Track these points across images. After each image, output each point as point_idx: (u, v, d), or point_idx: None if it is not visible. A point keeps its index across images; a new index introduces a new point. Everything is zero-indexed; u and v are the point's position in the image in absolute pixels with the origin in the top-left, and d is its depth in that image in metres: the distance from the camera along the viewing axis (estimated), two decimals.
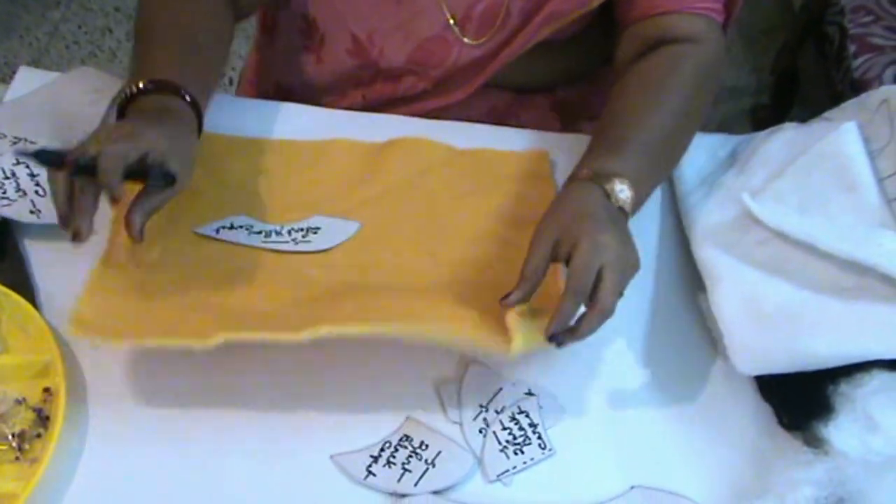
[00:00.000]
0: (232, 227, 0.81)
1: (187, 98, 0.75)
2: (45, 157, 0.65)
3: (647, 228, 0.90)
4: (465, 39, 0.91)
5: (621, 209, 0.75)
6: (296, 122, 0.96)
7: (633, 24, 0.91)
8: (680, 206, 0.91)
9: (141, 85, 0.73)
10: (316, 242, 0.82)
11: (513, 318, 0.70)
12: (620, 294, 0.70)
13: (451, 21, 0.89)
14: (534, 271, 0.70)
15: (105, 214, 0.81)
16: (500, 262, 0.82)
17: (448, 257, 0.83)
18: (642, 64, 0.88)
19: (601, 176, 0.76)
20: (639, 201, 0.78)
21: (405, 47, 0.93)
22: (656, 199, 0.93)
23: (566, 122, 1.04)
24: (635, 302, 0.84)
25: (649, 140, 0.81)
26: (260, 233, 0.81)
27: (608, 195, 0.75)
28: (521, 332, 0.69)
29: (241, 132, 0.93)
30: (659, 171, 0.84)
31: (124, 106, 0.74)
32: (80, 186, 0.66)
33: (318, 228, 0.83)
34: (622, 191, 0.75)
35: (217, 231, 0.82)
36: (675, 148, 0.86)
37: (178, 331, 0.69)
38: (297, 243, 0.81)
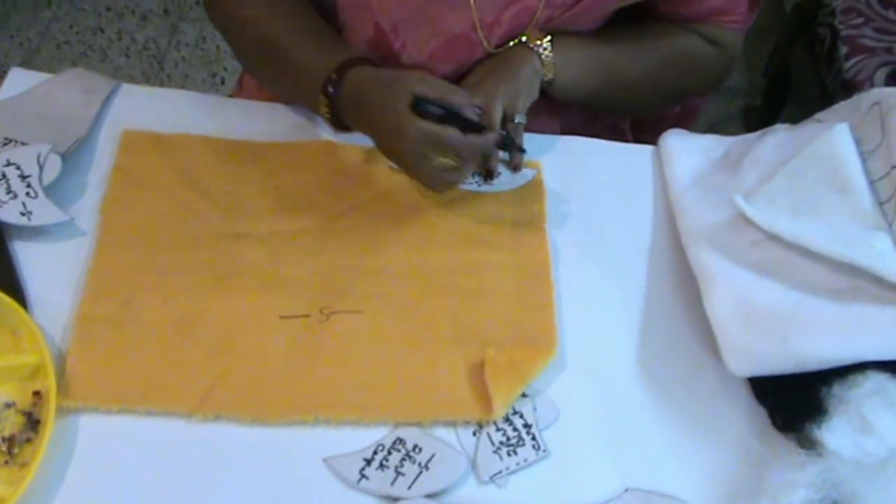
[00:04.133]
0: None
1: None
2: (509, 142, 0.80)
3: (640, 228, 0.89)
4: (485, 44, 0.89)
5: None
6: (289, 121, 0.94)
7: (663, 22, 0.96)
8: (673, 206, 0.89)
9: (333, 75, 0.79)
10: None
11: (492, 379, 0.72)
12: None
13: (477, 23, 0.88)
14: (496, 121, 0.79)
15: (90, 215, 0.80)
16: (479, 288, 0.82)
17: (440, 267, 0.82)
18: (652, 22, 0.94)
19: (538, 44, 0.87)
20: (563, 81, 0.89)
21: (430, 42, 0.89)
22: (649, 198, 0.92)
23: (567, 127, 1.02)
24: (629, 303, 0.83)
25: (604, 55, 0.90)
26: None
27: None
28: (502, 395, 0.71)
29: (231, 135, 0.91)
30: (596, 83, 0.92)
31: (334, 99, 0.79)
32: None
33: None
34: (545, 49, 0.86)
35: None
36: (622, 85, 0.93)
37: (166, 396, 0.71)
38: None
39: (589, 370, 0.79)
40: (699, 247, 0.83)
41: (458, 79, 0.92)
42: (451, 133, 0.75)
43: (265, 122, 0.93)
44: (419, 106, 0.75)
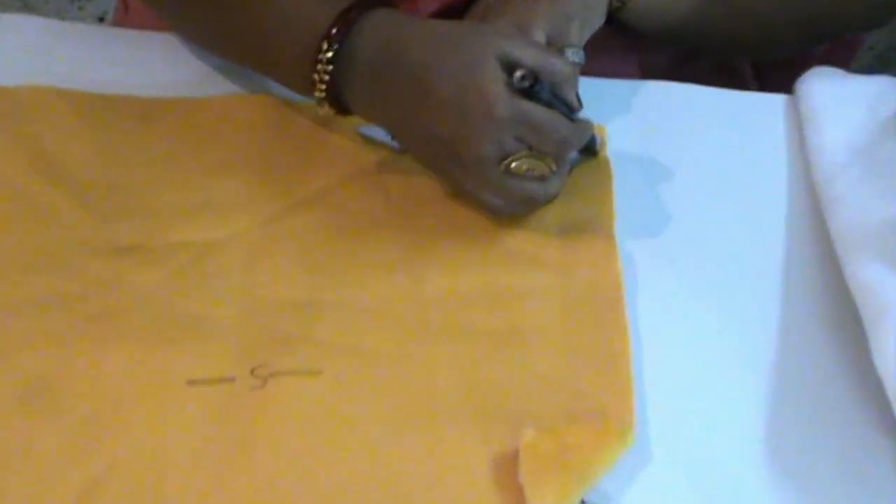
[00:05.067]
0: None
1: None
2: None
3: (765, 228, 0.74)
4: None
5: None
6: (204, 64, 0.79)
7: None
8: (820, 191, 0.74)
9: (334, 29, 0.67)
10: None
11: (531, 478, 0.59)
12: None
13: None
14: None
15: None
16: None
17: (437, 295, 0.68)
18: None
19: None
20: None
21: None
22: (780, 179, 0.77)
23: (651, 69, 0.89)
24: (748, 349, 0.69)
25: None
26: None
27: None
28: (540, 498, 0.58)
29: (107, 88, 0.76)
30: (696, 3, 0.79)
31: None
32: None
33: None
34: None
35: None
36: (739, 8, 0.81)
37: None
38: None
39: (685, 462, 0.64)
40: (862, 258, 0.69)
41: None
42: (562, 123, 0.65)
43: (164, 65, 0.78)
44: (521, 82, 0.65)
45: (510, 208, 0.69)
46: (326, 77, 0.68)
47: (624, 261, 0.69)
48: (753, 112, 0.81)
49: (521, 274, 0.67)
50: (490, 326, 0.65)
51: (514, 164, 0.65)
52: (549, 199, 0.69)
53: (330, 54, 0.66)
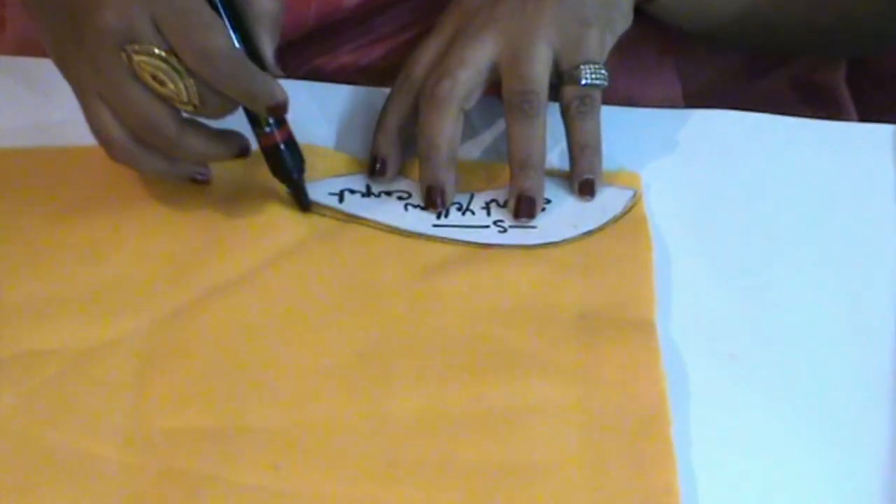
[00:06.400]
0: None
1: None
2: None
3: (869, 304, 0.60)
4: None
5: None
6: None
7: None
8: None
9: None
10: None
11: None
12: None
13: None
14: None
15: None
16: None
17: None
18: None
19: None
20: None
21: None
22: (888, 241, 0.63)
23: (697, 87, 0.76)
24: (867, 376, 0.58)
25: None
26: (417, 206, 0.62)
27: None
28: None
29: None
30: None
31: None
32: None
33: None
34: None
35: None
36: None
37: None
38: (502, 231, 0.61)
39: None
40: None
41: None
42: (219, 32, 0.52)
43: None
44: None
45: (133, 151, 0.54)
46: None
47: (670, 360, 0.53)
48: (852, 148, 0.67)
49: (526, 385, 0.53)
50: (483, 463, 0.50)
51: (136, 58, 0.50)
52: (175, 148, 0.55)
53: None
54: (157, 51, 0.50)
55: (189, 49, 0.51)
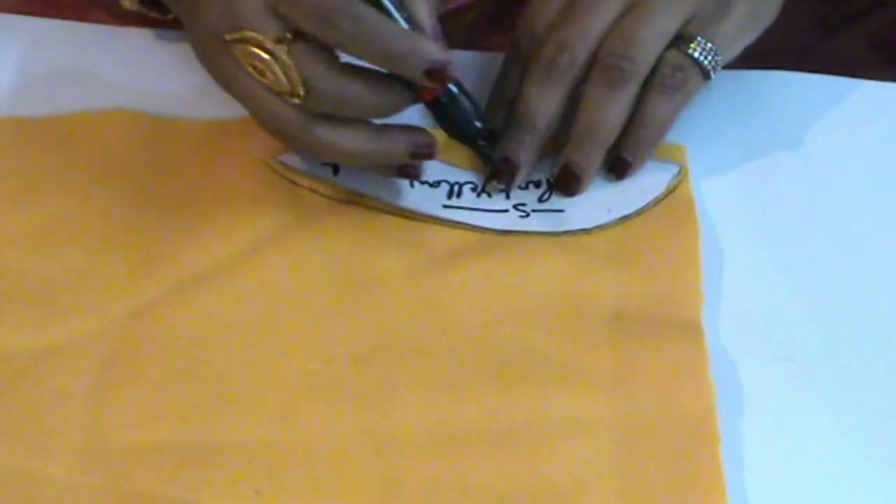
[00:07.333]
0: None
1: None
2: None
3: None
4: None
5: None
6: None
7: None
8: None
9: None
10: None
11: None
12: None
13: None
14: None
15: None
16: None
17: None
18: None
19: None
20: None
21: None
22: None
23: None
24: None
25: None
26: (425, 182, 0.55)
27: None
28: None
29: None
30: None
31: None
32: None
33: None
34: None
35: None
36: None
37: None
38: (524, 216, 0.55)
39: None
40: None
41: None
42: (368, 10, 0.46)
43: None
44: None
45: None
46: None
47: (719, 367, 0.48)
48: None
49: (550, 397, 0.48)
50: (500, 488, 0.46)
51: (236, 48, 0.46)
52: (298, 142, 0.50)
53: None
54: (248, 34, 0.45)
55: (303, 11, 0.46)
